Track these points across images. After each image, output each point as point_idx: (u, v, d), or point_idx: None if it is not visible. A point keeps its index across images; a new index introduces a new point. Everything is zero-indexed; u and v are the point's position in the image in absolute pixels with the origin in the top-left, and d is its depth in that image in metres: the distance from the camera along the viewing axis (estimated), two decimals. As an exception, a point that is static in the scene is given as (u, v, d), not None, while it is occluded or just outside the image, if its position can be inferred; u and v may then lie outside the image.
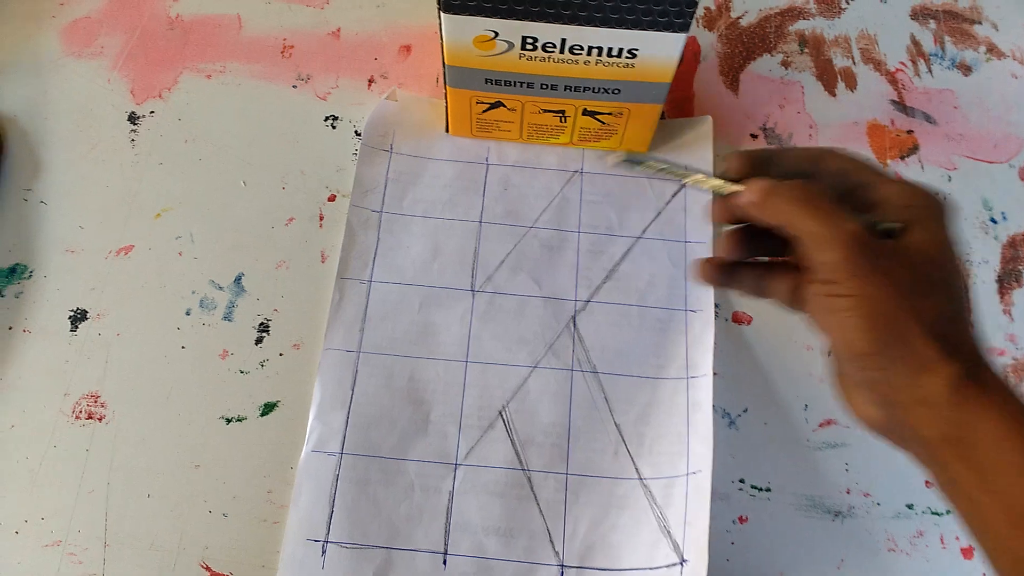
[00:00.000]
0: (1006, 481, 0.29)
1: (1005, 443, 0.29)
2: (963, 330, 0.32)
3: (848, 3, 0.57)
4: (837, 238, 0.31)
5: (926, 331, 0.31)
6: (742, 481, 0.44)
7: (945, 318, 0.31)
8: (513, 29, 0.41)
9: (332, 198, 0.49)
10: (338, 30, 0.54)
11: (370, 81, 0.53)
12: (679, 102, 0.53)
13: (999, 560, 0.30)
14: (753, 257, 0.37)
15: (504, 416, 0.44)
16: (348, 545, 0.41)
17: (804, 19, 0.56)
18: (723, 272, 0.38)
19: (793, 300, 0.36)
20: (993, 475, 0.29)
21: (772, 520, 0.43)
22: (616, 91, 0.45)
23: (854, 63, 0.55)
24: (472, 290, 0.47)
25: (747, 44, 0.55)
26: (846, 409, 0.36)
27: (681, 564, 0.40)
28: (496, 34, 0.42)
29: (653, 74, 0.44)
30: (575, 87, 0.45)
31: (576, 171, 0.51)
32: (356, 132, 0.51)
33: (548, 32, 0.41)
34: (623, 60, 0.43)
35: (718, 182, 0.36)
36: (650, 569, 0.41)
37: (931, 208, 0.34)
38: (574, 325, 0.47)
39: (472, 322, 0.47)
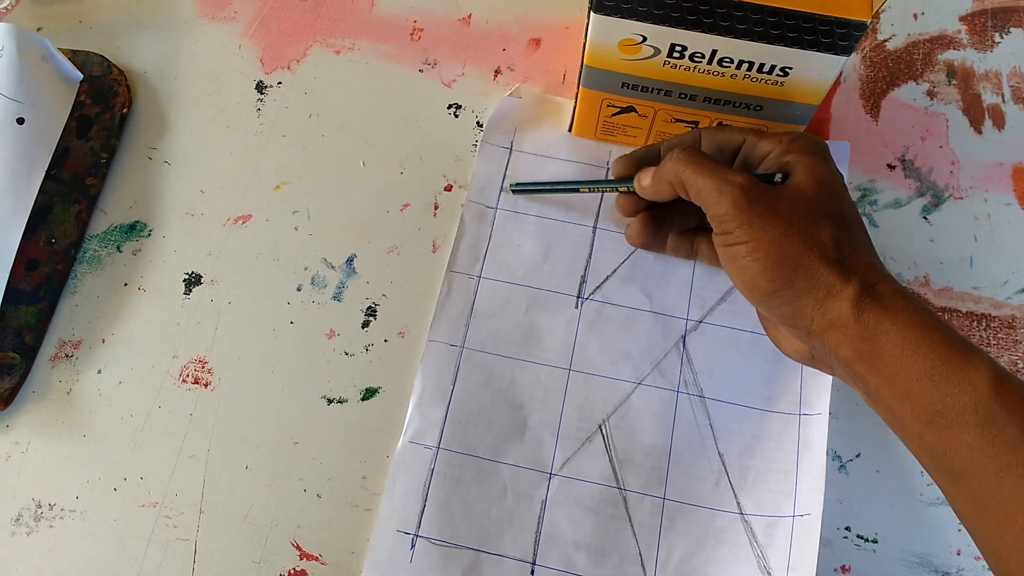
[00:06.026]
0: (913, 387, 0.31)
1: (906, 350, 0.31)
2: (858, 252, 0.34)
3: (1002, 37, 0.54)
4: (725, 191, 0.34)
5: (823, 258, 0.33)
6: (848, 529, 0.42)
7: (839, 243, 0.33)
8: (663, 36, 0.40)
9: (448, 188, 0.49)
10: (469, 16, 0.53)
11: (496, 72, 0.52)
12: (814, 123, 0.50)
13: (920, 457, 0.32)
14: (659, 239, 0.44)
15: (604, 431, 0.43)
16: (437, 542, 0.41)
17: (954, 49, 0.53)
18: (649, 234, 0.43)
19: (715, 258, 0.39)
20: (901, 382, 0.31)
21: (876, 573, 0.41)
22: (758, 107, 0.43)
23: (1003, 101, 0.52)
24: (580, 296, 0.46)
25: (892, 69, 0.52)
26: (777, 347, 0.39)
27: (785, 610, 0.39)
28: (644, 39, 0.40)
29: (802, 95, 0.42)
30: (715, 99, 0.44)
31: (699, 185, 0.49)
32: (478, 123, 0.50)
33: (699, 42, 0.40)
34: (773, 77, 0.41)
35: (612, 184, 0.43)
36: (750, 611, 0.39)
37: (810, 148, 0.36)
38: (683, 344, 0.45)
39: (578, 330, 0.45)
